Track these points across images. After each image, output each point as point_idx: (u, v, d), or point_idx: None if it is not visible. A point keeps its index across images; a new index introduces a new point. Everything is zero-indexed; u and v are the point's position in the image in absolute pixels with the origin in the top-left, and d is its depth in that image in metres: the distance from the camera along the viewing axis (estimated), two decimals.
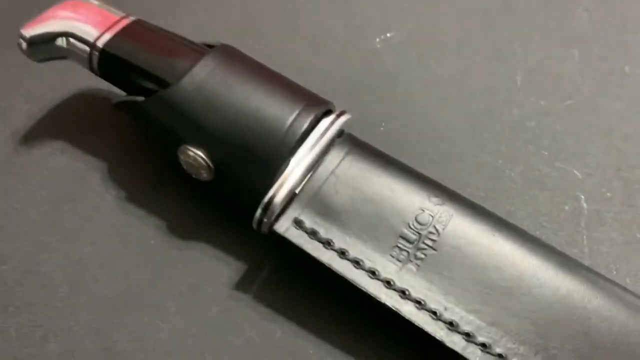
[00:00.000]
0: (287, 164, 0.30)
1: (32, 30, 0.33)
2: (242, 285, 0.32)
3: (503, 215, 0.31)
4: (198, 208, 0.34)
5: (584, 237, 0.33)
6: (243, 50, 0.34)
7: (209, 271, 0.32)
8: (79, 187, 0.35)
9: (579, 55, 0.41)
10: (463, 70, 0.40)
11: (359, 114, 0.37)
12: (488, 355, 0.26)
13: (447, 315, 0.27)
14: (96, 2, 0.35)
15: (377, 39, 0.42)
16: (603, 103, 0.39)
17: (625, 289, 0.29)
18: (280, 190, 0.29)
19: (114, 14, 0.34)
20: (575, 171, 0.36)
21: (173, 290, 0.32)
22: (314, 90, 0.33)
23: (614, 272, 0.32)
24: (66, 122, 0.37)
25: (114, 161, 0.36)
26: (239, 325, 0.31)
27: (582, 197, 0.35)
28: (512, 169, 0.36)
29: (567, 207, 0.34)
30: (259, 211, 0.29)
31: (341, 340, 0.30)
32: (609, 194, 0.35)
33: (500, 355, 0.26)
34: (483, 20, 0.43)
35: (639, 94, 0.39)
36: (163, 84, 0.31)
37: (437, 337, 0.27)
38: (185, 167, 0.31)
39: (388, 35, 0.42)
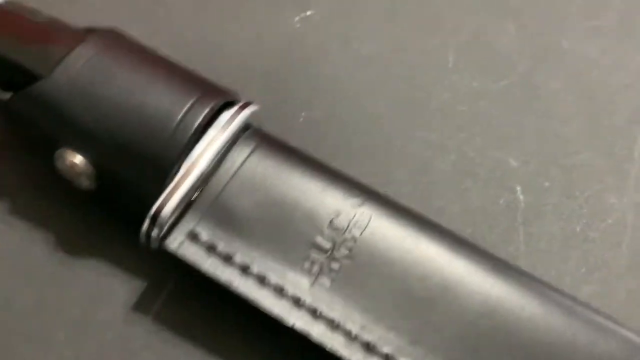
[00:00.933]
0: (179, 166, 0.26)
1: None
2: (141, 306, 0.29)
3: (432, 212, 0.29)
4: (89, 219, 0.30)
5: (520, 232, 0.31)
6: (143, 31, 0.31)
7: (103, 291, 0.29)
8: None
9: (515, 29, 0.38)
10: (390, 49, 0.38)
11: (276, 102, 0.35)
12: None
13: (364, 336, 0.24)
14: None
15: (297, 18, 0.38)
16: (540, 82, 0.37)
17: (563, 292, 0.26)
18: (171, 198, 0.26)
19: None
20: (510, 159, 0.34)
21: (62, 316, 0.29)
22: (224, 76, 0.30)
23: (553, 272, 0.30)
24: None
25: None
26: (137, 352, 0.28)
27: (518, 188, 0.33)
28: (442, 159, 0.34)
29: (501, 201, 0.32)
30: (146, 223, 0.26)
31: None
32: (547, 184, 0.33)
33: None
34: None
35: (578, 71, 0.37)
36: (34, 77, 0.27)
37: None
38: (63, 174, 0.28)
39: (308, 13, 0.39)
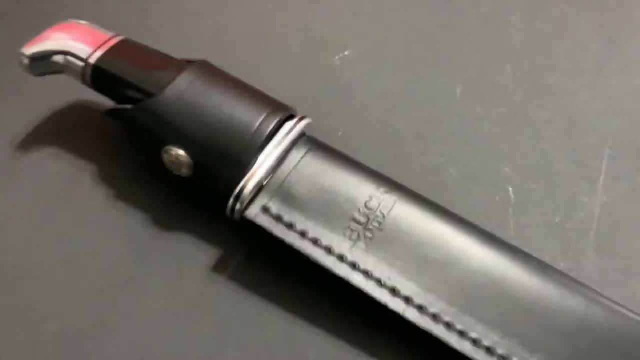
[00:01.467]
0: (256, 160, 0.34)
1: (32, 48, 0.37)
2: (218, 269, 0.35)
3: (443, 206, 0.34)
4: (177, 203, 0.37)
5: (511, 222, 0.37)
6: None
7: (189, 257, 0.35)
8: (72, 189, 0.38)
9: (511, 69, 0.45)
10: (410, 82, 0.44)
11: (320, 121, 0.39)
12: (424, 316, 0.31)
13: (390, 283, 0.31)
14: (88, 24, 0.38)
15: (337, 57, 0.46)
16: (531, 110, 0.43)
17: (540, 261, 0.33)
18: (249, 182, 0.33)
19: (105, 34, 0.38)
20: (505, 168, 0.39)
21: (156, 276, 0.35)
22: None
23: (536, 252, 0.34)
24: (60, 130, 0.40)
25: (103, 164, 0.39)
26: (216, 303, 0.34)
27: (511, 189, 0.38)
28: (452, 166, 0.39)
29: (497, 198, 0.38)
30: (231, 200, 0.33)
31: (308, 313, 0.33)
32: (533, 186, 0.39)
33: (434, 315, 0.31)
34: (427, 39, 0.47)
35: (561, 102, 0.43)
36: (148, 94, 0.35)
37: (382, 302, 0.31)
38: (167, 165, 0.35)
39: (346, 53, 0.46)
